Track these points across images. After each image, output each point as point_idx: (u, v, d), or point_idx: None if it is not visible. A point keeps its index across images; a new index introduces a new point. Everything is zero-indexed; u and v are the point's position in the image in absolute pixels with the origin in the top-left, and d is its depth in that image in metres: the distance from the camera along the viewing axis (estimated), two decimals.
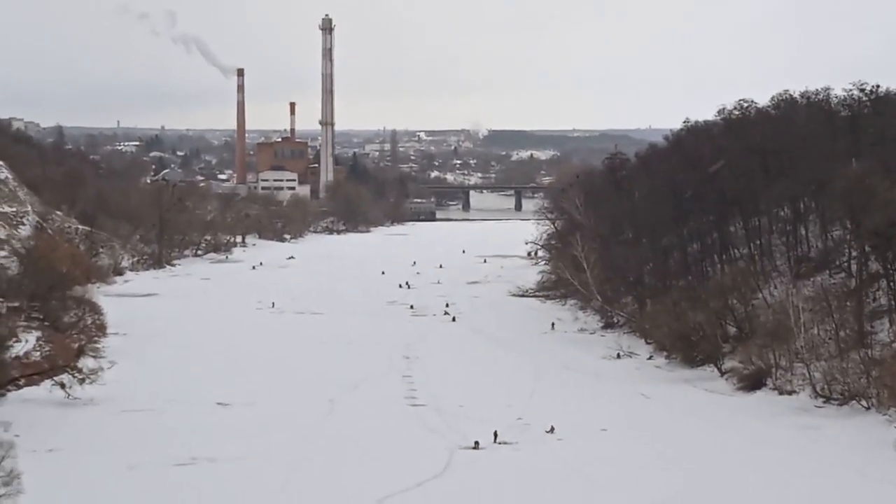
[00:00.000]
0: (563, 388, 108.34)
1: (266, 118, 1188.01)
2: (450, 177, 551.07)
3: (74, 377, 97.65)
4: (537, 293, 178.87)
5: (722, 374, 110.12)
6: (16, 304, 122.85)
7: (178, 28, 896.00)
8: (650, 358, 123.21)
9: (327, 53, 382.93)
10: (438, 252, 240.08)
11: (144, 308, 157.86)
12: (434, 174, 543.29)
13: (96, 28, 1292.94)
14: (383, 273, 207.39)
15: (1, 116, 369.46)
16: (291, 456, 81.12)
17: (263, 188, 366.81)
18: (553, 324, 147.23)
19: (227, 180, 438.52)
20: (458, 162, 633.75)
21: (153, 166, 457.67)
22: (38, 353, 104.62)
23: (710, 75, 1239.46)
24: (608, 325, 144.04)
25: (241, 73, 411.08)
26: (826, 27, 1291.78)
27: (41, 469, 72.95)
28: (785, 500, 70.21)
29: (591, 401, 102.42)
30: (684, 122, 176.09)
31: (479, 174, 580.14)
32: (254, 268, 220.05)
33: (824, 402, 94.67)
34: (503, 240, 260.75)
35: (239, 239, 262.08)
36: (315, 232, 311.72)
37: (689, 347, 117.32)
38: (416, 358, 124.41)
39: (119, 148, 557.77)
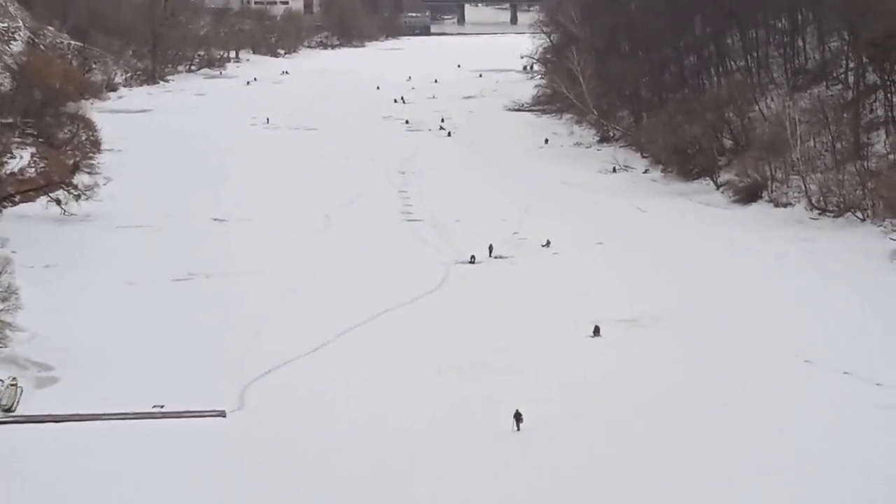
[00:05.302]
0: (559, 203, 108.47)
1: None
2: None
3: (70, 193, 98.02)
4: (533, 107, 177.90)
5: (718, 187, 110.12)
6: (9, 121, 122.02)
7: None
8: (646, 171, 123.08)
9: None
10: (433, 67, 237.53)
11: (139, 124, 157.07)
12: None
13: None
14: (378, 88, 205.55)
15: None
16: (288, 270, 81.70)
17: (256, 3, 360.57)
18: (547, 139, 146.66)
19: None
20: None
21: None
22: (34, 170, 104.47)
23: None
24: (604, 139, 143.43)
25: None
26: None
27: (39, 284, 73.52)
28: (779, 307, 70.86)
29: (587, 215, 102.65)
30: None
31: None
32: (248, 83, 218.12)
33: (820, 214, 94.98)
34: (499, 54, 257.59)
35: (233, 54, 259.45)
36: (309, 47, 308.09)
37: (684, 161, 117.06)
38: (412, 173, 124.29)
39: None
